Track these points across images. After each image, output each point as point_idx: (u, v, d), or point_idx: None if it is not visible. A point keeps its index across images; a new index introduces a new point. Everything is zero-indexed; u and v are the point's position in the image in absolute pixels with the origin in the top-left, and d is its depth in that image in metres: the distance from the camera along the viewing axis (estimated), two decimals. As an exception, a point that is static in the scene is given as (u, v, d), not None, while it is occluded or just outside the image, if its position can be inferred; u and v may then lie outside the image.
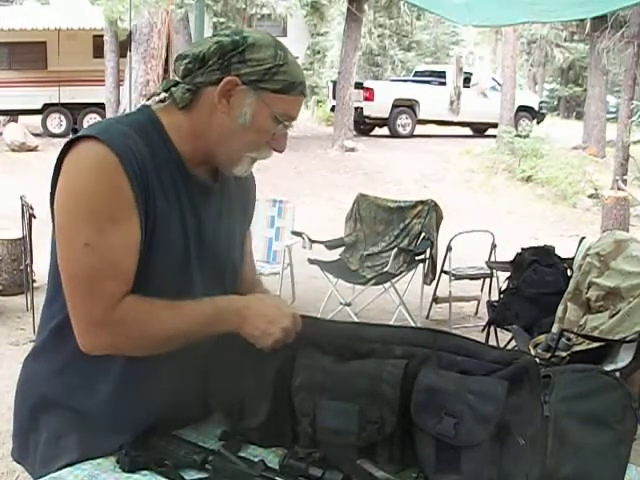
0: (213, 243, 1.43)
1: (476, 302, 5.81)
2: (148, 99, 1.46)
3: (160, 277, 1.35)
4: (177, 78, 1.38)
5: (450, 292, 5.40)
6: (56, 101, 14.82)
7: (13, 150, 12.95)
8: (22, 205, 5.05)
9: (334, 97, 15.46)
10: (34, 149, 13.12)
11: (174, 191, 1.36)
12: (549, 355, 3.41)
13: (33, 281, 5.22)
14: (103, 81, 14.06)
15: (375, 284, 5.13)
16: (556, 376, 1.27)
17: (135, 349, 1.34)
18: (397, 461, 1.30)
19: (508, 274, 4.62)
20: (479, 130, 17.58)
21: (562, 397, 1.25)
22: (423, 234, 5.33)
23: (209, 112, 1.35)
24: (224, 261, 1.48)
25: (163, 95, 1.40)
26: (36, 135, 13.91)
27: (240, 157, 1.38)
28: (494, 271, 5.38)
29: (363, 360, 1.33)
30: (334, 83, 16.07)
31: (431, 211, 5.37)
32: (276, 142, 1.40)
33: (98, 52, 14.42)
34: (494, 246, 5.58)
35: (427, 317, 5.58)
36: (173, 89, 1.37)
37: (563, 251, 4.49)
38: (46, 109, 15.02)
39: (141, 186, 1.29)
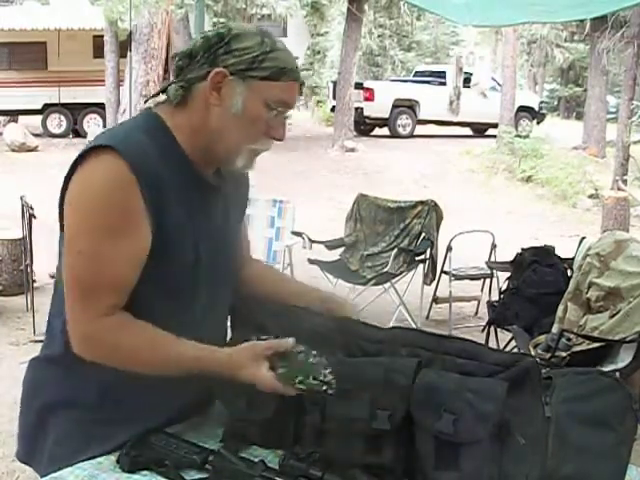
0: (222, 242, 1.46)
1: (476, 302, 5.81)
2: (146, 101, 1.47)
3: (171, 278, 1.37)
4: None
5: (450, 292, 5.40)
6: (56, 101, 14.83)
7: (13, 150, 12.96)
8: (22, 205, 5.05)
9: (334, 97, 15.47)
10: (34, 149, 13.14)
11: (186, 196, 1.37)
12: (549, 355, 3.41)
13: (33, 281, 5.22)
14: (103, 81, 14.06)
15: (375, 284, 5.13)
16: (557, 378, 1.28)
17: (115, 365, 1.35)
18: (402, 459, 1.30)
19: (508, 274, 4.62)
20: (479, 130, 17.58)
21: (563, 398, 1.25)
22: (423, 234, 5.33)
23: (204, 107, 1.35)
24: (230, 258, 1.50)
25: (163, 97, 1.41)
26: (36, 135, 13.92)
27: (239, 149, 1.38)
28: (494, 271, 5.38)
29: (375, 357, 1.36)
30: (334, 83, 16.08)
31: (431, 211, 5.37)
32: (275, 131, 1.38)
33: (98, 52, 14.42)
34: (494, 246, 5.57)
35: (427, 317, 5.58)
36: (169, 88, 1.38)
37: (563, 251, 4.48)
38: (46, 109, 15.04)
39: (154, 203, 1.30)
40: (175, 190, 1.35)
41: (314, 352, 1.29)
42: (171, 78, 1.41)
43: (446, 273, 5.47)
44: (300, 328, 1.43)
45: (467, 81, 17.16)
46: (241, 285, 1.57)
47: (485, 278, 5.58)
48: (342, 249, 5.66)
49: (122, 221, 1.29)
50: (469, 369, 1.29)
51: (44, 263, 5.55)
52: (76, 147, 13.76)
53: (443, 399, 1.24)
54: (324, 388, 1.25)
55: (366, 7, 17.01)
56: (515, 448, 1.23)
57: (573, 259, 3.99)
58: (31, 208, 4.88)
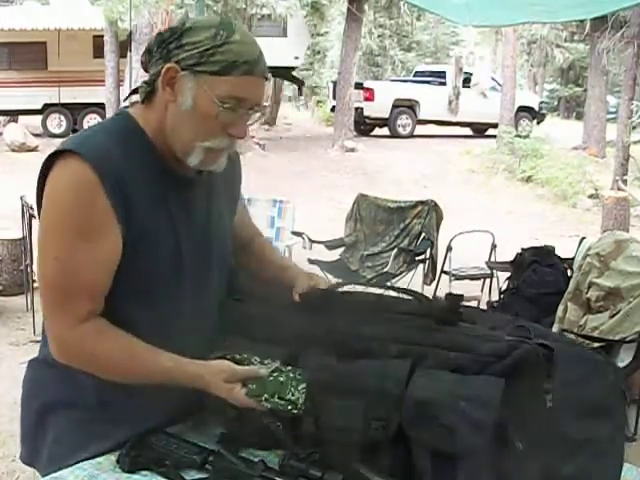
0: (207, 241, 1.44)
1: (476, 302, 5.80)
2: (125, 99, 1.48)
3: (148, 277, 1.36)
4: None
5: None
6: (56, 101, 14.82)
7: (13, 150, 12.95)
8: (22, 205, 5.06)
9: (334, 97, 15.47)
10: (34, 149, 13.12)
11: (159, 193, 1.36)
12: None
13: (33, 281, 5.21)
14: (103, 81, 14.05)
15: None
16: (559, 344, 1.25)
17: (92, 372, 1.36)
18: (400, 467, 1.27)
19: (508, 274, 4.62)
20: (479, 130, 17.57)
21: (562, 383, 1.22)
22: (423, 234, 5.33)
23: (164, 103, 1.34)
24: (218, 244, 1.48)
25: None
26: (36, 135, 13.90)
27: (192, 146, 1.33)
28: (494, 271, 5.37)
29: (368, 360, 1.32)
30: (334, 83, 16.09)
31: (431, 211, 5.37)
32: (233, 128, 1.33)
33: (98, 52, 14.41)
34: (494, 246, 5.57)
35: (427, 317, 5.57)
36: (139, 86, 1.38)
37: (563, 251, 4.48)
38: (46, 109, 15.03)
39: (121, 203, 1.29)
40: (146, 189, 1.34)
41: (289, 368, 1.29)
42: None
43: (446, 273, 5.47)
44: (287, 332, 1.41)
45: (467, 81, 17.15)
46: (246, 255, 1.61)
47: (485, 278, 5.58)
48: (342, 249, 5.66)
49: (91, 222, 1.28)
50: (462, 362, 1.26)
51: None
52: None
53: (435, 413, 1.20)
54: (289, 407, 1.25)
55: (366, 7, 17.00)
56: (514, 453, 1.20)
57: (573, 259, 3.99)
58: (31, 208, 4.88)
